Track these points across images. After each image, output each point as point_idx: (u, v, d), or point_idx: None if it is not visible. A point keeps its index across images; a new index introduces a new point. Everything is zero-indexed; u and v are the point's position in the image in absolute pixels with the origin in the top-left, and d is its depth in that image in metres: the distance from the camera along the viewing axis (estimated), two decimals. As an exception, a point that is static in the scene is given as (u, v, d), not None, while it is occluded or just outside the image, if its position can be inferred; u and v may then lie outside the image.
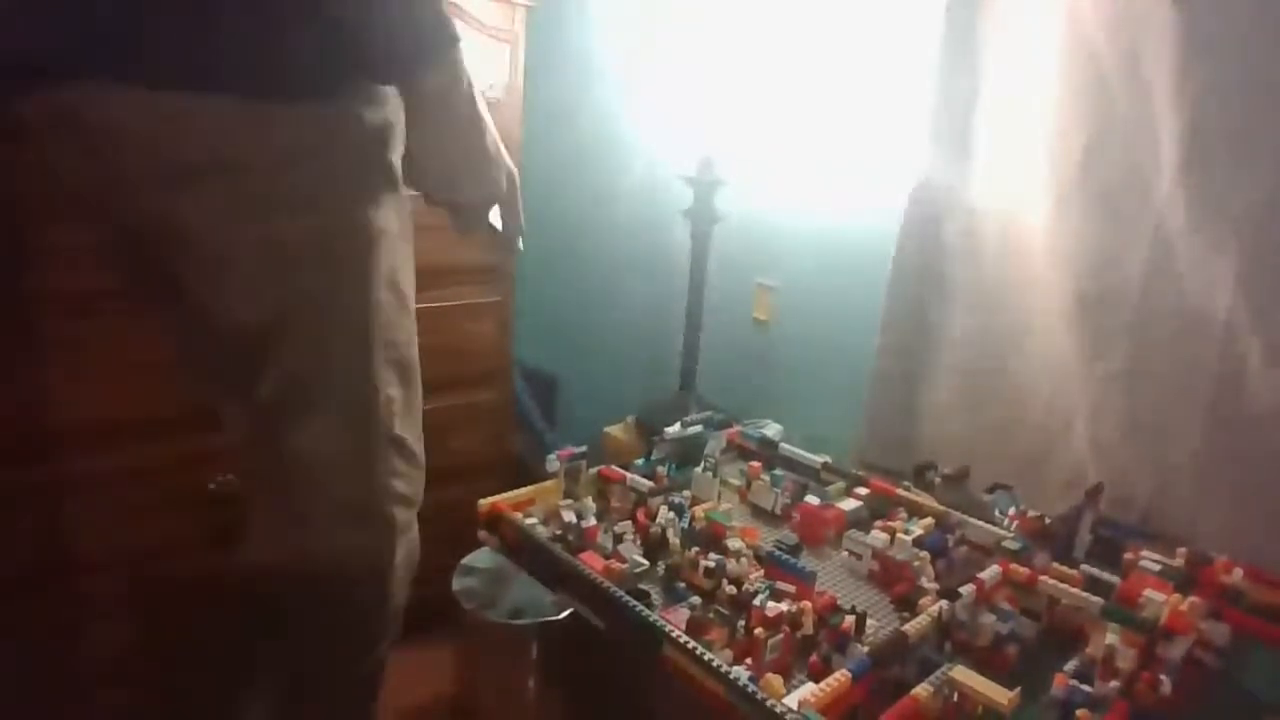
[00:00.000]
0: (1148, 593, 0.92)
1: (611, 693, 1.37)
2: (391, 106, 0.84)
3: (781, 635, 0.88)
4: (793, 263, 1.70)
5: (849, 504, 1.20)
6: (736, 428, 1.45)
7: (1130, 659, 0.84)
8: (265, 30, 0.74)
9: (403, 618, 0.99)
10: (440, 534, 1.36)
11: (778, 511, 1.22)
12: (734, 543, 1.06)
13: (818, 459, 1.33)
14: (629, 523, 1.11)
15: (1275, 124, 1.04)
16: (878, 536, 1.07)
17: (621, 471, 1.22)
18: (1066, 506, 1.12)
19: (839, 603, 0.94)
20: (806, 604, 0.92)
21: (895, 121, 1.46)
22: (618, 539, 1.06)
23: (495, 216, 0.98)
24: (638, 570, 1.02)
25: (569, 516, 1.09)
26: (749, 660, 0.85)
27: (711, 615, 0.89)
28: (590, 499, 1.18)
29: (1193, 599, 0.92)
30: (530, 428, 2.30)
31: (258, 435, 0.88)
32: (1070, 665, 0.86)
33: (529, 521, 1.11)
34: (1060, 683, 0.81)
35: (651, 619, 0.90)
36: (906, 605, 0.98)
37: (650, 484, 1.19)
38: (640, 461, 1.28)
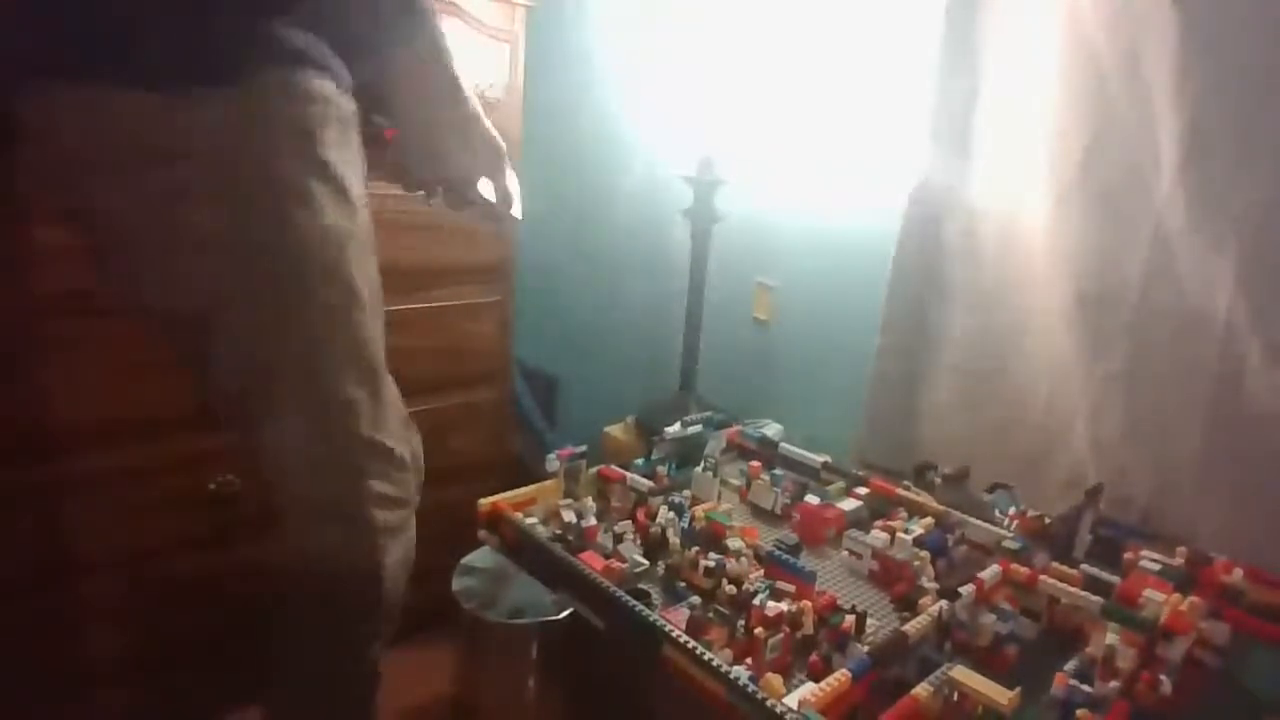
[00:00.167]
0: (1148, 592, 0.92)
1: (611, 693, 1.37)
2: (329, 101, 0.82)
3: (781, 635, 0.88)
4: (793, 262, 1.70)
5: (849, 504, 1.20)
6: (736, 428, 1.45)
7: (1130, 659, 0.84)
8: (186, 19, 0.75)
9: (400, 619, 0.98)
10: (440, 534, 1.36)
11: (778, 511, 1.22)
12: (734, 543, 1.05)
13: (818, 459, 1.33)
14: (629, 523, 1.11)
15: (1275, 124, 1.04)
16: (878, 536, 1.07)
17: (621, 471, 1.22)
18: (1066, 506, 1.12)
19: (839, 602, 0.94)
20: (806, 604, 0.92)
21: (895, 121, 1.46)
22: (618, 539, 1.06)
23: (487, 189, 0.98)
24: (638, 570, 1.02)
25: (569, 516, 1.09)
26: (749, 660, 0.85)
27: (711, 615, 0.89)
28: (590, 499, 1.18)
29: (1193, 599, 0.92)
30: (530, 428, 2.30)
31: (233, 430, 0.90)
32: (1070, 665, 0.86)
33: (529, 521, 1.11)
34: (1060, 683, 0.81)
35: (651, 619, 0.90)
36: (906, 605, 0.98)
37: (650, 484, 1.19)
38: (640, 461, 1.28)
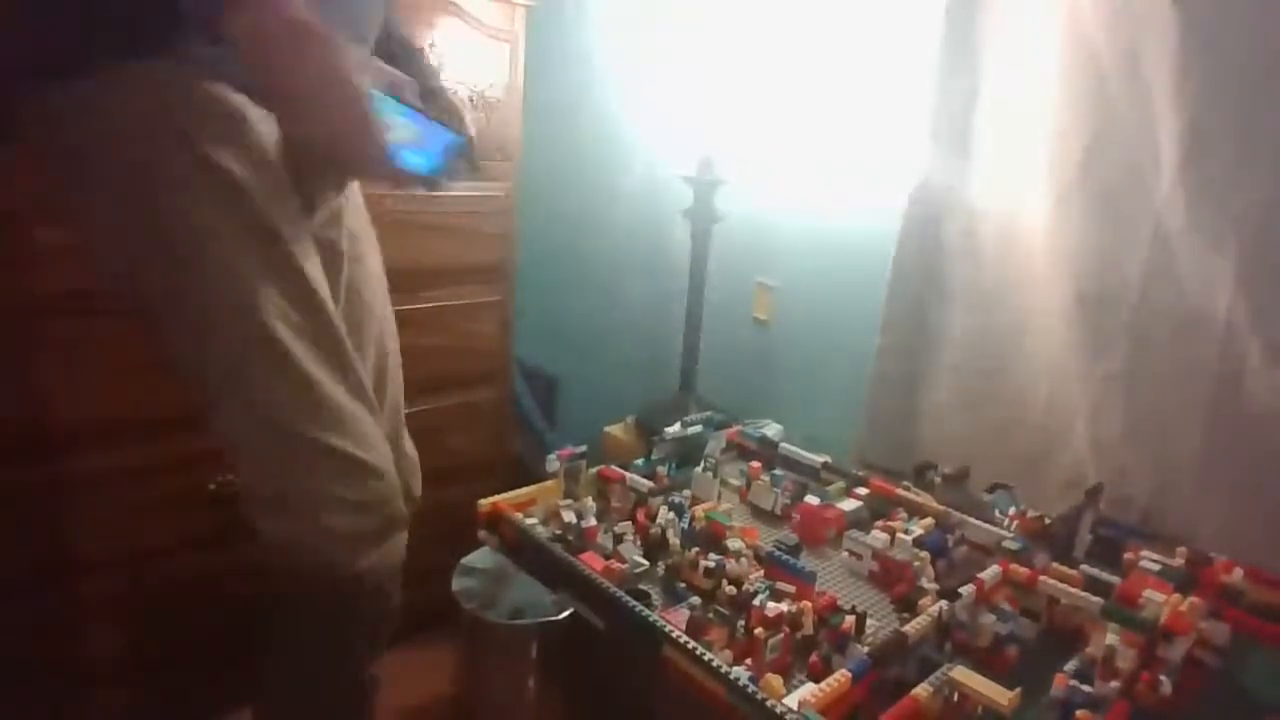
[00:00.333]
0: (1148, 593, 0.92)
1: (611, 693, 1.37)
2: (184, 95, 0.82)
3: (781, 635, 0.88)
4: (793, 262, 1.70)
5: (849, 504, 1.20)
6: (736, 428, 1.45)
7: (1130, 659, 0.84)
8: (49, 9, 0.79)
9: (398, 621, 0.99)
10: (440, 534, 1.36)
11: (778, 511, 1.22)
12: (734, 543, 1.05)
13: (818, 459, 1.33)
14: (629, 523, 1.11)
15: (1275, 124, 1.04)
16: (878, 536, 1.07)
17: (621, 471, 1.22)
18: (1066, 506, 1.12)
19: (839, 603, 0.94)
20: (806, 604, 0.92)
21: (895, 121, 1.46)
22: (618, 539, 1.06)
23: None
24: (638, 570, 1.02)
25: (569, 516, 1.09)
26: (749, 660, 0.85)
27: (711, 615, 0.89)
28: (590, 499, 1.18)
29: (1193, 599, 0.92)
30: (530, 428, 2.30)
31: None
32: (1070, 665, 0.86)
33: (529, 521, 1.11)
34: (1060, 683, 0.82)
35: (651, 619, 0.90)
36: (906, 605, 0.98)
37: (650, 484, 1.19)
38: (640, 461, 1.28)
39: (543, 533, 1.09)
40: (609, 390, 2.12)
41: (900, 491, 1.24)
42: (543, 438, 2.28)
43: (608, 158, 2.05)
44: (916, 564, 1.04)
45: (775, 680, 0.79)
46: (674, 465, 1.29)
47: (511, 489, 1.18)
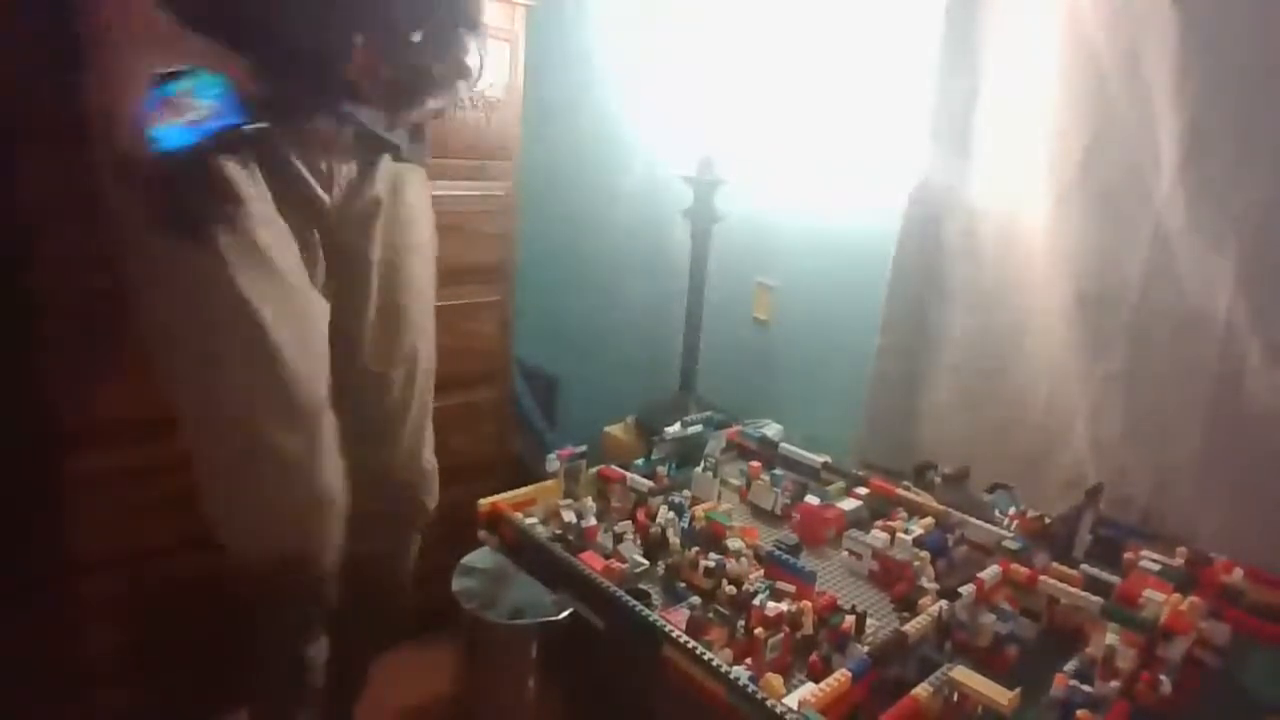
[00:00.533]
0: (1148, 593, 0.92)
1: (611, 693, 1.37)
2: None
3: (781, 635, 0.88)
4: (793, 262, 1.70)
5: (849, 504, 1.20)
6: (736, 428, 1.45)
7: (1130, 659, 0.84)
8: None
9: (399, 620, 1.00)
10: (440, 534, 1.36)
11: (778, 511, 1.22)
12: (734, 543, 1.05)
13: (818, 459, 1.33)
14: (629, 523, 1.11)
15: (1275, 124, 1.04)
16: (878, 536, 1.07)
17: (621, 471, 1.22)
18: (1066, 506, 1.12)
19: (839, 603, 0.94)
20: (806, 604, 0.92)
21: (895, 121, 1.46)
22: (618, 539, 1.06)
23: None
24: (638, 570, 1.02)
25: (569, 516, 1.09)
26: (749, 660, 0.85)
27: (711, 615, 0.89)
28: (590, 499, 1.18)
29: (1193, 599, 0.92)
30: (530, 428, 2.30)
31: None
32: (1070, 665, 0.86)
33: (529, 521, 1.11)
34: (1060, 683, 0.82)
35: (651, 619, 0.90)
36: (906, 605, 0.98)
37: (650, 484, 1.19)
38: (640, 461, 1.28)
39: (543, 533, 1.09)
40: (609, 390, 2.12)
41: (900, 491, 1.24)
42: (543, 438, 2.28)
43: (608, 158, 2.05)
44: (916, 564, 1.04)
45: (775, 680, 0.79)
46: (674, 465, 1.28)
47: (511, 489, 1.18)
